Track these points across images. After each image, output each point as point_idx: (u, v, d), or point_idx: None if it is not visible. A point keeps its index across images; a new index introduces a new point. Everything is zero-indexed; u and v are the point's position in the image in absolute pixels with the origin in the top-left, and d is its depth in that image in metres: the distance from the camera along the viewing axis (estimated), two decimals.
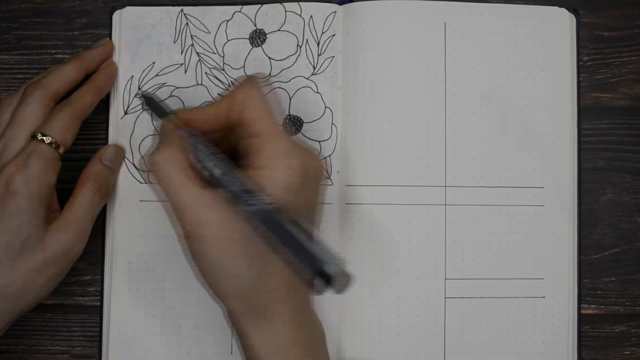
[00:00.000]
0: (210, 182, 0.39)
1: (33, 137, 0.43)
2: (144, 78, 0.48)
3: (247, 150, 0.40)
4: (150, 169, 0.40)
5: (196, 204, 0.39)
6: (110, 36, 0.49)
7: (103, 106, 0.48)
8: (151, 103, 0.44)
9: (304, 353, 0.40)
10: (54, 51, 0.50)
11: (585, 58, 0.49)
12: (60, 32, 0.50)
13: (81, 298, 0.49)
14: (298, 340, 0.40)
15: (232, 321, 0.41)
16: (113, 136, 0.48)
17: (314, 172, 0.41)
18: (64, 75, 0.45)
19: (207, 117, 0.42)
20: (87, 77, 0.46)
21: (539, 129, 0.48)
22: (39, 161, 0.42)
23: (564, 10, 0.48)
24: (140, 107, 0.48)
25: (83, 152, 0.47)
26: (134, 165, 0.48)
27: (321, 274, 0.30)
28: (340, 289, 0.30)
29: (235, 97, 0.40)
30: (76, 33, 0.50)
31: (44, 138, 0.43)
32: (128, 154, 0.48)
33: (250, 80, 0.41)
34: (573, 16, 0.48)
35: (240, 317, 0.40)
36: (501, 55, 0.48)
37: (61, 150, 0.43)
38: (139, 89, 0.48)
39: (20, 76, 0.48)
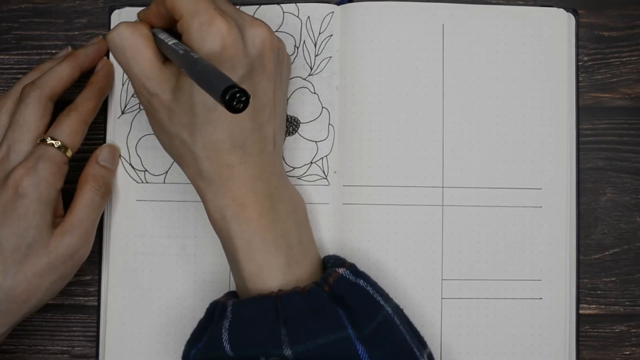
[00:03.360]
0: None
1: (42, 141, 0.43)
2: None
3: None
4: (115, 40, 0.41)
5: (156, 76, 0.40)
6: None
7: (101, 105, 0.48)
8: None
9: (261, 218, 0.41)
10: (54, 51, 0.50)
11: (585, 58, 0.49)
12: (60, 32, 0.50)
13: (81, 298, 0.49)
14: (251, 205, 0.41)
15: (196, 190, 0.42)
16: (111, 135, 0.48)
17: (259, 40, 0.40)
18: (60, 74, 0.45)
19: (151, 13, 0.42)
20: (82, 76, 0.47)
21: (536, 130, 0.48)
22: (48, 165, 0.43)
23: (562, 11, 0.48)
24: (137, 106, 0.48)
25: (82, 151, 0.47)
26: (130, 164, 0.48)
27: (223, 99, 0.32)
28: (238, 109, 0.32)
29: None
30: (76, 33, 0.50)
31: (53, 142, 0.43)
32: (125, 153, 0.48)
33: None
34: (572, 17, 0.48)
35: (196, 183, 0.42)
36: (499, 56, 0.48)
37: (69, 154, 0.44)
38: None
39: (20, 76, 0.48)
